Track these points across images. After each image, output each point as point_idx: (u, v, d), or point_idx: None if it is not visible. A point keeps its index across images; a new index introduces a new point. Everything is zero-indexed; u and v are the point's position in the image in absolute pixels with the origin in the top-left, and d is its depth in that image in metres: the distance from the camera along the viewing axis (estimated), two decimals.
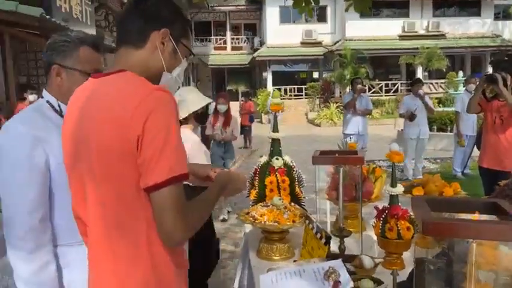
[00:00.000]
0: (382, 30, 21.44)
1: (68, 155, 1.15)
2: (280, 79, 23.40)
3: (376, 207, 1.71)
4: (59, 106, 1.47)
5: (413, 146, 6.87)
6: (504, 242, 0.83)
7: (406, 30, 21.96)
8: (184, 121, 2.83)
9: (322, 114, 19.21)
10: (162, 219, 0.99)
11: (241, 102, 13.18)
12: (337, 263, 1.24)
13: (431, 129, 8.98)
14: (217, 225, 4.87)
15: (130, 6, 1.17)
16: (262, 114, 20.18)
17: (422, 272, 1.15)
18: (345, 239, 1.68)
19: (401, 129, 8.05)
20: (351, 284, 1.21)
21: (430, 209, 0.81)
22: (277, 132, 2.09)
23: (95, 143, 1.02)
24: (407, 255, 1.64)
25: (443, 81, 20.37)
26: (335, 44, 22.54)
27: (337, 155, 1.73)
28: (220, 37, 27.64)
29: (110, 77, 1.09)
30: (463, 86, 7.89)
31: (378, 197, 2.04)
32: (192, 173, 1.42)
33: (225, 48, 27.40)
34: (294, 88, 23.70)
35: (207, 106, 2.95)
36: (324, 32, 23.39)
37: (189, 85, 23.47)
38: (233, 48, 27.45)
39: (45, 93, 1.51)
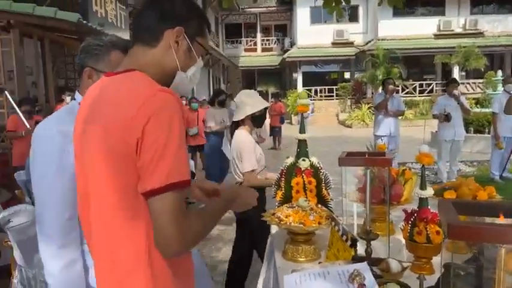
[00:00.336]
0: (416, 29, 20.90)
1: (76, 155, 1.14)
2: (310, 80, 23.26)
3: (404, 210, 1.68)
4: None
5: (448, 148, 6.65)
6: None
7: (441, 28, 21.31)
8: (241, 123, 2.92)
9: (354, 115, 18.94)
10: (157, 227, 0.94)
11: (271, 104, 13.18)
12: (363, 266, 1.22)
13: (467, 131, 8.68)
14: None
15: (146, 3, 1.13)
16: (292, 115, 20.11)
17: (451, 278, 1.11)
18: (373, 242, 1.65)
19: (435, 131, 7.82)
20: (376, 287, 1.19)
21: (457, 212, 0.78)
22: (304, 133, 2.08)
23: (98, 143, 1.00)
24: (437, 260, 1.60)
25: (481, 81, 19.64)
26: (367, 43, 22.17)
27: (368, 156, 1.71)
28: (251, 39, 27.77)
29: (119, 76, 1.07)
30: (502, 86, 7.56)
31: (407, 199, 1.99)
32: (198, 186, 1.41)
33: (255, 50, 27.51)
34: (325, 89, 23.49)
35: (265, 110, 3.01)
36: (355, 32, 23.08)
37: (219, 86, 23.73)
38: (263, 50, 27.52)
39: (77, 95, 1.56)
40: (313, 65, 23.88)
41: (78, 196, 1.16)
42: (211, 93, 20.96)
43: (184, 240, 0.95)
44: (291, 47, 25.03)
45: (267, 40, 27.78)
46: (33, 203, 1.47)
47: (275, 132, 11.81)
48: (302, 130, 2.10)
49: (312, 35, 22.93)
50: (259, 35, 27.61)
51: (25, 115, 5.22)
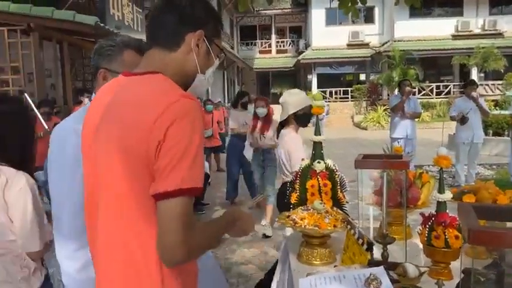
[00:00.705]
0: (433, 30, 20.63)
1: (85, 154, 1.13)
2: (325, 81, 23.16)
3: (422, 214, 1.65)
4: None
5: (466, 150, 6.53)
6: None
7: (459, 29, 20.99)
8: (286, 123, 2.93)
9: (369, 117, 18.78)
10: (164, 229, 0.93)
11: None
12: (379, 270, 1.20)
13: (486, 133, 8.51)
14: (259, 228, 4.88)
15: (162, 6, 1.12)
16: None
17: (470, 284, 1.09)
18: (389, 247, 1.63)
19: (453, 133, 7.69)
20: None
21: (477, 216, 0.77)
22: (320, 135, 2.07)
23: (116, 143, 1.00)
24: (456, 265, 1.56)
25: (500, 82, 19.26)
26: (383, 45, 21.96)
27: (385, 159, 1.69)
28: (266, 41, 27.80)
29: (141, 77, 1.06)
30: None
31: (425, 203, 1.96)
32: None
33: (270, 52, 27.53)
34: (340, 90, 23.35)
35: (309, 107, 2.97)
36: (371, 33, 22.90)
37: (234, 88, 23.81)
38: (278, 52, 27.52)
39: (94, 96, 1.57)
40: (328, 66, 23.77)
41: (85, 196, 1.15)
42: (225, 95, 21.08)
43: (189, 247, 0.94)
44: (306, 48, 24.96)
45: (282, 42, 27.76)
46: (50, 204, 1.49)
47: None
48: (317, 132, 2.08)
49: (327, 37, 22.84)
50: (273, 36, 27.63)
51: (44, 117, 5.31)
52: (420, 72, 18.99)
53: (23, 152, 1.41)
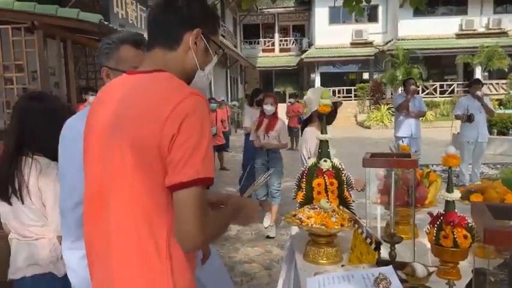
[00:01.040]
0: (437, 29, 20.54)
1: (88, 151, 1.15)
2: (328, 80, 23.08)
3: (430, 213, 1.64)
4: None
5: (471, 150, 6.50)
6: None
7: (463, 28, 20.88)
8: (310, 120, 2.92)
9: (372, 116, 18.72)
10: (182, 217, 0.99)
11: (288, 105, 13.11)
12: (388, 270, 1.19)
13: (491, 133, 8.47)
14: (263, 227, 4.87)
15: (161, 6, 1.17)
16: None
17: (482, 284, 1.07)
18: (396, 246, 1.61)
19: (457, 132, 7.65)
20: None
21: (492, 216, 0.75)
22: (326, 133, 2.05)
23: (129, 135, 1.03)
24: (464, 265, 1.55)
25: (504, 81, 19.18)
26: (386, 44, 21.89)
27: (394, 157, 1.67)
28: (269, 39, 27.74)
29: (149, 74, 1.11)
30: None
31: (431, 202, 1.95)
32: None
33: (273, 50, 27.48)
34: (343, 89, 23.28)
35: (335, 106, 2.96)
36: (374, 32, 22.82)
37: (236, 87, 23.79)
38: (281, 50, 27.46)
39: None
40: (331, 65, 23.72)
41: (89, 195, 1.15)
42: (228, 93, 21.06)
43: (205, 233, 1.01)
44: (309, 47, 24.91)
45: (285, 40, 27.70)
46: None
47: (293, 132, 11.75)
48: (324, 130, 2.07)
49: (330, 35, 22.78)
50: (277, 35, 27.57)
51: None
52: (424, 71, 18.90)
53: (56, 145, 1.53)
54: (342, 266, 1.61)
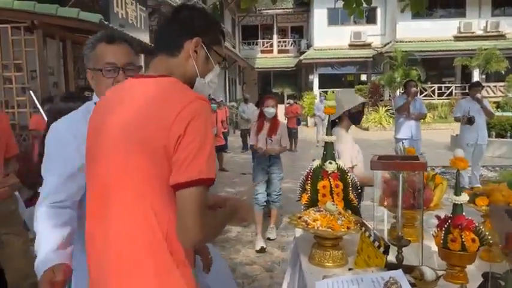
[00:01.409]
0: (435, 31, 20.57)
1: (97, 154, 1.17)
2: (326, 82, 23.07)
3: (437, 216, 1.63)
4: None
5: (470, 152, 6.49)
6: None
7: (462, 30, 20.92)
8: (339, 122, 2.92)
9: (371, 117, 18.72)
10: (185, 215, 1.04)
11: (286, 106, 13.10)
12: (398, 274, 1.18)
13: (489, 135, 8.48)
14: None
15: (167, 18, 1.27)
16: (308, 117, 19.98)
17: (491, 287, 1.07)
18: (402, 249, 1.61)
19: (456, 135, 7.67)
20: None
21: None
22: (331, 135, 2.05)
23: (136, 134, 1.08)
24: (471, 269, 1.54)
25: (502, 84, 19.22)
26: (385, 45, 21.91)
27: (400, 160, 1.66)
28: (267, 40, 27.73)
29: (155, 79, 1.17)
30: None
31: (437, 205, 1.94)
32: None
33: (271, 52, 27.46)
34: None
35: (362, 105, 2.98)
36: (373, 34, 22.84)
37: (235, 88, 23.77)
38: (280, 51, 27.45)
39: (94, 95, 1.60)
40: (329, 66, 23.71)
41: (92, 194, 1.18)
42: (227, 94, 21.04)
43: (205, 231, 1.06)
44: (308, 48, 24.89)
45: (284, 42, 27.69)
46: None
47: (292, 134, 11.74)
48: (328, 132, 2.06)
49: (329, 37, 22.78)
50: (275, 36, 27.55)
51: (47, 114, 5.30)
52: (422, 73, 18.92)
53: None
54: (350, 269, 1.60)
